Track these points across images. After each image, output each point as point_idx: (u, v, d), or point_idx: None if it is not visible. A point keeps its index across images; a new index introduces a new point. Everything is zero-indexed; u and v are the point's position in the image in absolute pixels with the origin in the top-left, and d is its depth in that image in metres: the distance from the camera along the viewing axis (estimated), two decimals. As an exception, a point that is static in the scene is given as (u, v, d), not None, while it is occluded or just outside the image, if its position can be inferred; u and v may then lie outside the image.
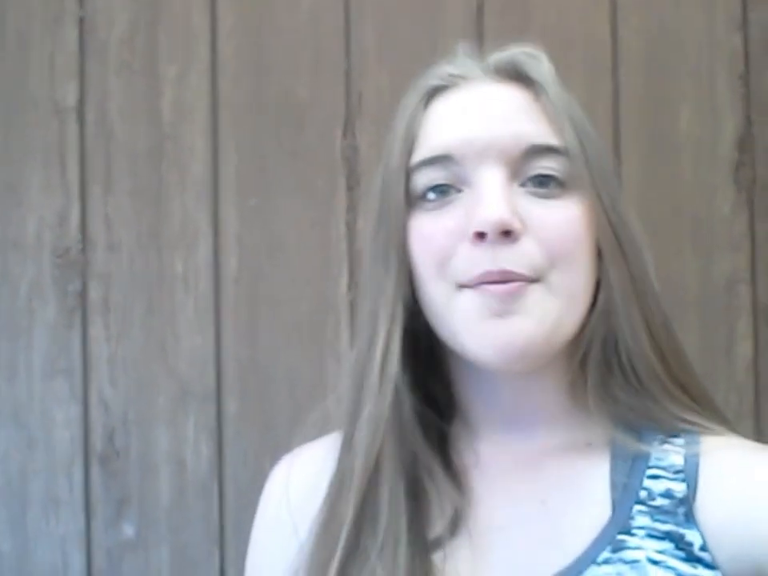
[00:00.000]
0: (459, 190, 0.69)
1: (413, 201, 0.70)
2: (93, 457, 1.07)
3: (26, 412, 1.07)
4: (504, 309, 0.66)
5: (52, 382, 1.07)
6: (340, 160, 1.10)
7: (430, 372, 0.75)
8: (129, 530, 1.06)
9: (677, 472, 0.68)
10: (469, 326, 0.67)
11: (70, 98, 1.09)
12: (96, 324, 1.08)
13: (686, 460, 0.68)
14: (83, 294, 1.08)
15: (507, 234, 0.66)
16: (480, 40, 1.10)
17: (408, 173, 0.70)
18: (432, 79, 0.73)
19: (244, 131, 1.10)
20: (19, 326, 1.07)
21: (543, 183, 0.68)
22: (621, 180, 1.09)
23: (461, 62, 0.75)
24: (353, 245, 1.08)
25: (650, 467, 0.69)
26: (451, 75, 0.73)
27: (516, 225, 0.66)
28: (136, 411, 1.07)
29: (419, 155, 0.70)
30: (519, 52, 0.73)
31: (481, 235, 0.66)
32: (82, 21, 1.09)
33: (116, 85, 1.09)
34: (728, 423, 0.74)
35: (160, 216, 1.09)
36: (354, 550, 0.68)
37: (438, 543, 0.69)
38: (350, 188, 1.09)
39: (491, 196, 0.66)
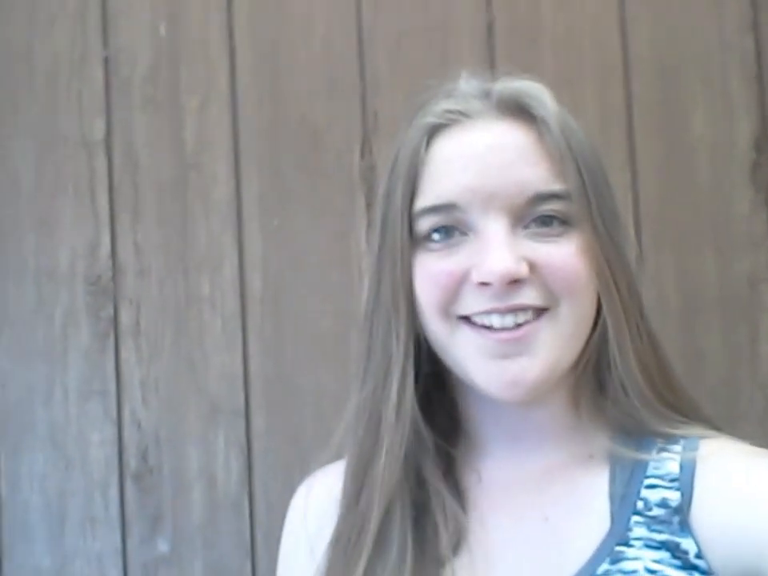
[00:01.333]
0: (464, 233, 0.70)
1: (417, 240, 0.72)
2: (127, 475, 1.10)
3: (62, 434, 1.11)
4: (508, 351, 0.68)
5: (87, 405, 1.11)
6: (358, 179, 1.12)
7: (435, 392, 0.77)
8: (163, 546, 1.09)
9: (672, 480, 0.69)
10: (473, 362, 0.70)
11: (98, 132, 1.14)
12: (128, 347, 1.12)
13: (681, 467, 0.69)
14: (115, 319, 1.12)
15: (513, 283, 0.68)
16: (491, 56, 1.12)
17: (411, 216, 0.71)
18: (433, 117, 0.72)
19: (264, 156, 1.13)
20: (55, 352, 1.12)
21: (546, 223, 0.69)
22: (637, 187, 1.10)
23: (462, 96, 0.73)
24: (373, 260, 1.10)
25: (647, 477, 0.70)
26: (452, 112, 0.72)
27: (522, 273, 0.67)
28: (168, 429, 1.11)
29: (424, 201, 0.71)
30: (523, 87, 0.72)
31: (486, 284, 0.68)
32: (106, 60, 1.14)
33: (140, 118, 1.14)
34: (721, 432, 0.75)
35: (186, 241, 1.13)
36: (370, 572, 0.71)
37: (444, 560, 0.71)
38: (369, 205, 1.12)
39: (497, 247, 0.67)
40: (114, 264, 1.13)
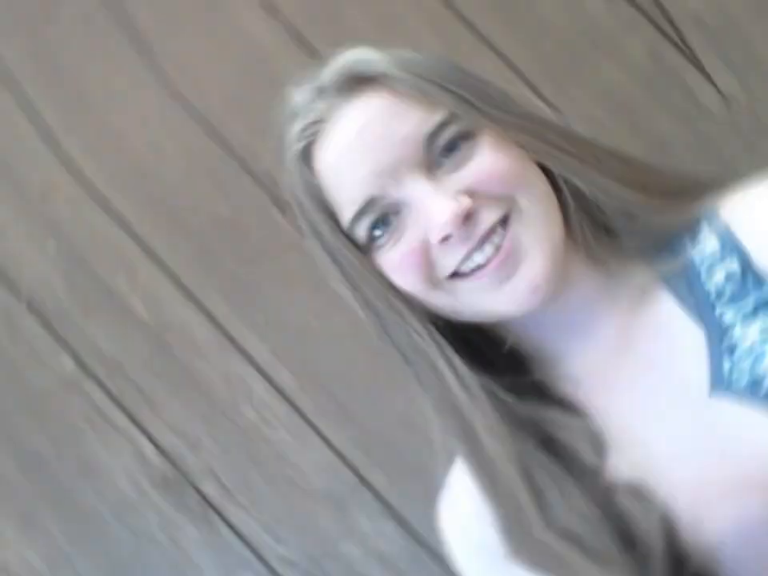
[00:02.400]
0: (397, 213, 0.71)
1: (365, 248, 0.72)
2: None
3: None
4: (506, 272, 0.69)
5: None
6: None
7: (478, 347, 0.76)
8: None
9: (722, 254, 0.69)
10: (487, 301, 0.71)
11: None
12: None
13: (720, 238, 0.70)
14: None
15: (468, 218, 0.68)
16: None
17: (346, 234, 0.72)
18: (295, 143, 0.73)
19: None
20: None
21: (452, 148, 0.70)
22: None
23: (303, 109, 0.73)
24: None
25: (700, 269, 0.70)
26: (305, 128, 0.72)
27: (467, 205, 0.68)
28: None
29: (346, 215, 0.72)
30: (346, 61, 0.73)
31: (447, 238, 0.68)
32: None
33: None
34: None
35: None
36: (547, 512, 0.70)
37: (597, 469, 0.70)
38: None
39: (431, 202, 0.69)
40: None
